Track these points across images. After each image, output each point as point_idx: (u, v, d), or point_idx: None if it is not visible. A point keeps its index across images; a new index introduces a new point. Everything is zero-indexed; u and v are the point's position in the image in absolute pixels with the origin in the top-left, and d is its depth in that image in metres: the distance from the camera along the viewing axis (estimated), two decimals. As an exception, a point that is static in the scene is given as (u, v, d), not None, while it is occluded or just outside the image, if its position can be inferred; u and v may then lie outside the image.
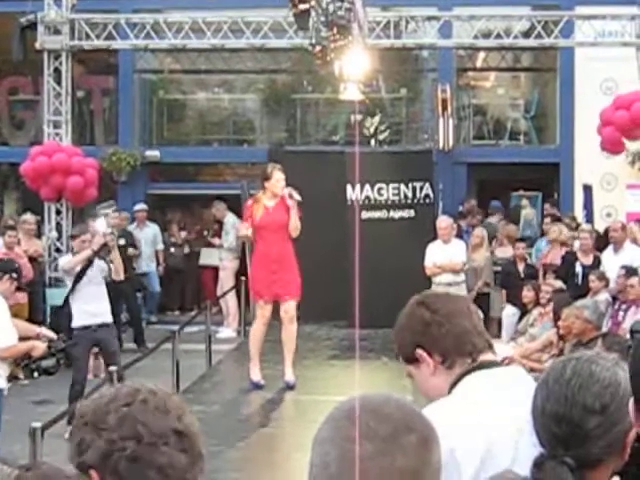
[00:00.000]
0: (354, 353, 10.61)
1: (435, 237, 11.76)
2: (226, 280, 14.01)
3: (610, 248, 11.13)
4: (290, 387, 9.18)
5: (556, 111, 15.79)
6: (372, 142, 16.26)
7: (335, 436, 1.49)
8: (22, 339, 6.62)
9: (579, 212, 13.69)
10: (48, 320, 11.58)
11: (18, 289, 8.07)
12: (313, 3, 10.07)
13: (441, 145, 14.99)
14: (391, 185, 13.00)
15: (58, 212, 13.71)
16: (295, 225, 9.04)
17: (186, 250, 15.79)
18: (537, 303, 10.16)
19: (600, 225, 12.86)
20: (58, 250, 13.32)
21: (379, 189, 13.00)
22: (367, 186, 12.94)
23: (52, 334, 6.95)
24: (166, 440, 1.74)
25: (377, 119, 16.33)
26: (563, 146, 15.30)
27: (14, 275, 7.41)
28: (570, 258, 11.25)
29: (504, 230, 13.27)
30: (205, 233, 15.23)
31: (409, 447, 1.47)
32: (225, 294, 13.66)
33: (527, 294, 10.43)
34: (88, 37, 13.98)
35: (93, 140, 16.65)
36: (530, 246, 12.76)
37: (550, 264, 11.56)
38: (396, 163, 13.20)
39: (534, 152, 15.97)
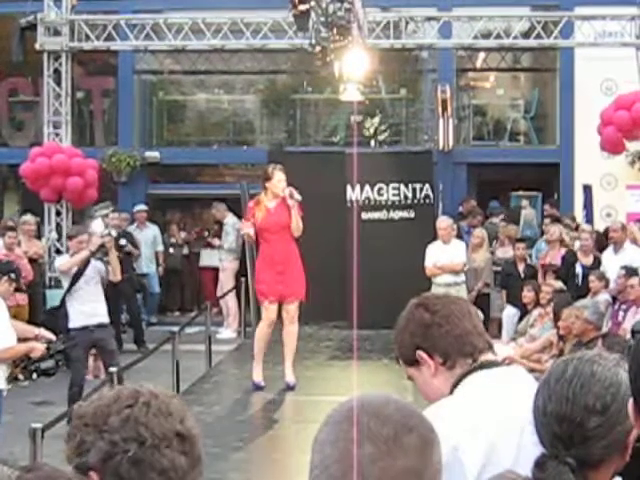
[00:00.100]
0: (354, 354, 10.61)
1: (435, 238, 11.75)
2: (226, 281, 14.01)
3: (610, 248, 11.13)
4: (290, 388, 9.17)
5: (556, 111, 15.79)
6: (372, 143, 16.27)
7: (335, 438, 1.49)
8: (21, 340, 6.61)
9: (579, 212, 13.69)
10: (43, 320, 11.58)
11: (17, 290, 8.07)
12: (313, 4, 10.07)
13: (441, 145, 14.99)
14: (391, 186, 13.00)
15: (58, 213, 13.72)
16: (297, 225, 9.02)
17: (185, 251, 15.80)
18: (537, 304, 10.16)
19: (600, 225, 12.86)
20: (58, 251, 13.31)
21: (379, 190, 13.00)
22: (367, 187, 12.95)
23: (51, 335, 6.93)
24: (168, 443, 1.73)
25: (377, 120, 16.34)
26: (563, 146, 15.30)
27: (12, 276, 7.41)
28: (570, 258, 11.25)
29: (505, 230, 13.27)
30: (205, 234, 15.23)
31: (410, 448, 1.47)
32: (225, 295, 13.67)
33: (527, 294, 10.43)
34: (88, 38, 13.99)
35: (93, 141, 16.66)
36: (530, 246, 12.76)
37: (549, 264, 11.55)
38: (396, 164, 13.20)
39: (534, 152, 15.97)
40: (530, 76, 17.38)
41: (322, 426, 1.53)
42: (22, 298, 10.47)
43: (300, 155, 14.26)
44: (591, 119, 13.17)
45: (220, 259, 14.23)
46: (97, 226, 9.25)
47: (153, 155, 15.66)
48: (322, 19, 10.33)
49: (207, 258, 15.07)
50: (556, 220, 12.86)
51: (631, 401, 1.72)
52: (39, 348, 6.56)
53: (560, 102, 15.50)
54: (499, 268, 12.53)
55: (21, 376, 9.99)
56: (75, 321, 8.70)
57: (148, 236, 14.50)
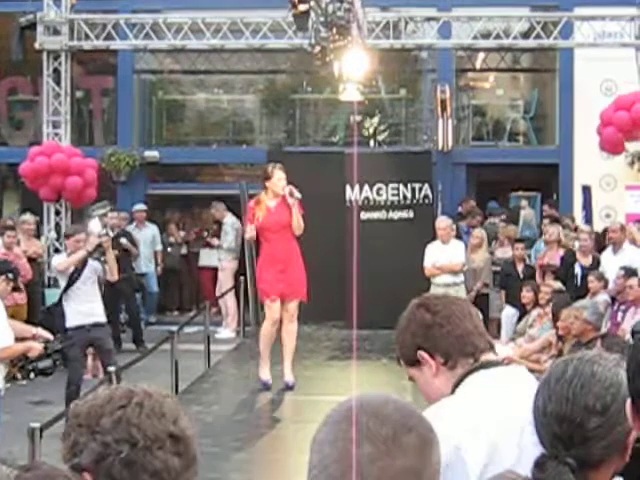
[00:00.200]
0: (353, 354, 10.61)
1: (434, 238, 11.75)
2: (225, 281, 14.00)
3: (609, 249, 11.13)
4: (289, 387, 9.16)
5: (555, 112, 15.79)
6: (371, 143, 16.27)
7: (334, 437, 1.48)
8: (18, 340, 6.60)
9: (578, 213, 13.69)
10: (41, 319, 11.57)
11: (15, 289, 8.06)
12: (312, 4, 10.07)
13: (440, 146, 14.99)
14: (390, 186, 13.00)
15: (57, 212, 13.72)
16: (298, 224, 9.02)
17: (184, 251, 15.79)
18: (536, 304, 10.16)
19: (599, 226, 12.86)
20: (57, 250, 13.30)
21: (378, 190, 13.00)
22: (366, 187, 12.94)
23: (48, 335, 6.93)
24: (161, 444, 1.72)
25: (376, 120, 16.34)
26: (562, 147, 15.30)
27: (10, 276, 7.40)
28: (569, 259, 11.24)
29: (504, 231, 13.27)
30: (205, 234, 15.23)
31: (409, 448, 1.47)
32: (224, 294, 13.66)
33: (526, 295, 10.43)
34: (87, 37, 13.99)
35: (92, 140, 16.65)
36: (529, 247, 12.75)
37: (548, 265, 11.55)
38: (395, 164, 13.20)
39: (533, 153, 15.97)
40: (529, 76, 17.38)
41: (321, 426, 1.53)
42: (21, 297, 10.47)
43: (299, 155, 14.25)
44: (590, 120, 13.17)
45: (219, 259, 14.23)
46: (94, 225, 9.25)
47: (152, 155, 15.65)
48: (322, 19, 10.33)
49: (206, 258, 15.07)
50: (555, 220, 12.86)
51: (629, 401, 1.71)
52: (37, 348, 6.55)
53: (559, 102, 15.50)
54: (498, 268, 12.52)
55: (19, 375, 10.00)
56: (72, 320, 8.70)
57: (147, 236, 14.49)
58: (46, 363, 6.61)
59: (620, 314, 9.61)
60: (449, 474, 1.56)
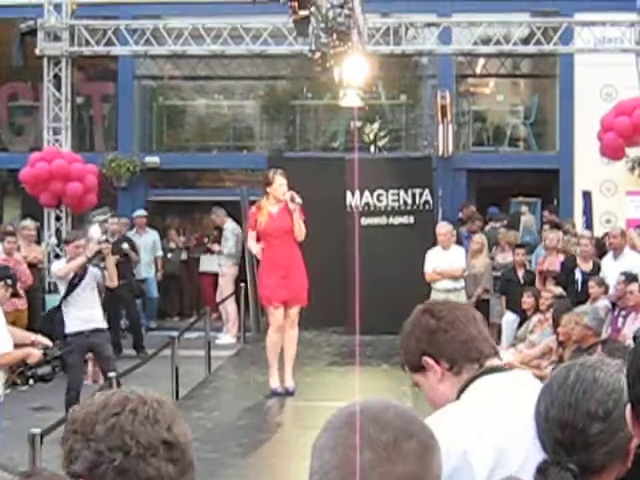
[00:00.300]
0: (354, 359, 10.59)
1: (435, 243, 11.74)
2: (225, 286, 14.00)
3: (610, 254, 11.13)
4: (290, 393, 9.15)
5: (556, 117, 15.80)
6: (372, 148, 16.28)
7: (334, 443, 1.48)
8: (17, 346, 6.59)
9: (579, 218, 13.69)
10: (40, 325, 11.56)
11: (14, 295, 8.05)
12: (313, 10, 10.06)
13: (441, 151, 14.99)
14: (391, 191, 13.00)
15: (58, 218, 13.71)
16: (299, 229, 9.01)
17: (184, 256, 15.79)
18: (537, 309, 10.15)
19: (599, 232, 12.85)
20: (58, 256, 13.30)
21: (379, 195, 13.00)
22: (367, 192, 12.94)
23: (47, 341, 6.91)
24: (154, 451, 1.71)
25: (377, 125, 16.35)
26: (563, 152, 15.30)
27: (9, 282, 7.39)
28: (570, 264, 11.24)
29: (505, 236, 13.26)
30: (205, 240, 15.23)
31: (409, 454, 1.46)
32: (224, 300, 13.66)
33: (527, 300, 10.42)
34: (88, 43, 14.00)
35: (93, 146, 16.66)
36: (530, 252, 12.75)
37: (547, 270, 11.55)
38: (396, 169, 13.20)
39: (534, 158, 15.97)
40: (530, 82, 17.39)
41: (321, 432, 1.52)
42: (21, 303, 10.47)
43: (300, 161, 14.25)
44: (591, 125, 13.17)
45: (219, 264, 14.23)
46: (94, 232, 9.25)
47: (153, 160, 15.66)
48: (322, 25, 10.32)
49: (207, 263, 15.06)
50: (556, 226, 12.86)
51: (629, 407, 1.71)
52: (35, 354, 6.53)
53: (560, 108, 15.51)
54: (499, 274, 12.51)
55: (18, 381, 9.97)
56: (71, 327, 8.71)
57: (147, 241, 14.49)
58: (45, 370, 6.59)
59: (620, 320, 9.60)
60: (456, 478, 1.55)
